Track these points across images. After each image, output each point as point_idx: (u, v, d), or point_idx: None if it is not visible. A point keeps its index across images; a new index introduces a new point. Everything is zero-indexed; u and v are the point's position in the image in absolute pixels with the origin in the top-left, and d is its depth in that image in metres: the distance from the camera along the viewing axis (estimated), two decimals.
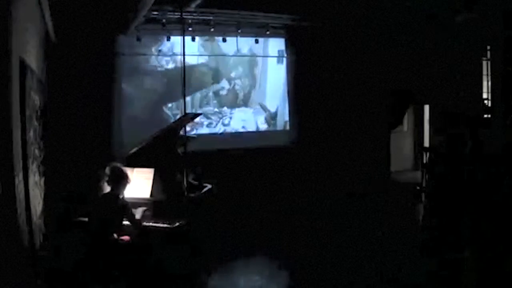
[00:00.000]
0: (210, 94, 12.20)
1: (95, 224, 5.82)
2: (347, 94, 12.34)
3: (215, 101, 12.27)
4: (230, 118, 12.39)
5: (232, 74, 12.46)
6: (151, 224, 6.26)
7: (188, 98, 10.95)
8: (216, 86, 12.27)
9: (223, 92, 12.35)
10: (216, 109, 12.26)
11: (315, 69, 12.34)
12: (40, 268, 5.20)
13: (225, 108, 12.35)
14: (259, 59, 12.69)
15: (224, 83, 12.35)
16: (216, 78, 12.26)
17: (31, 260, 4.87)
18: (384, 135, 12.81)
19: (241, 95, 12.54)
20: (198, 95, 12.02)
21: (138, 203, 6.40)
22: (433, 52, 11.44)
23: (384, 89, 12.41)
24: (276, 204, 10.79)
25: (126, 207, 5.91)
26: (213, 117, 12.21)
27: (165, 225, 6.24)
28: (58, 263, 5.77)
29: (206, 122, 12.12)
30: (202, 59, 12.06)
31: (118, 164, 6.09)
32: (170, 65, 11.66)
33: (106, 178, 5.96)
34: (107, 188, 5.98)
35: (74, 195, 6.77)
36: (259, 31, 12.19)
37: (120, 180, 5.96)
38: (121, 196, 5.97)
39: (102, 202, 5.94)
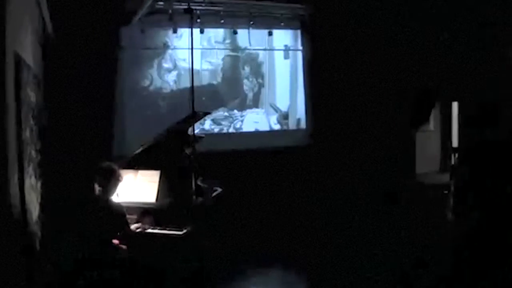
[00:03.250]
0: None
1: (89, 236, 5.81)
2: (367, 90, 12.26)
3: None
4: (242, 121, 12.39)
5: (239, 74, 12.48)
6: (156, 231, 6.26)
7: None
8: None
9: None
10: (225, 113, 12.27)
11: (331, 63, 12.26)
12: (37, 277, 5.19)
13: (235, 111, 12.35)
14: (266, 56, 12.69)
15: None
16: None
17: (28, 268, 4.86)
18: (409, 134, 12.74)
19: (250, 95, 12.53)
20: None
21: (142, 208, 6.40)
22: (463, 45, 11.37)
23: (409, 85, 12.33)
24: (294, 208, 10.79)
25: (119, 211, 5.92)
26: (223, 122, 12.22)
27: (171, 232, 6.23)
28: (56, 271, 5.77)
29: (216, 128, 12.13)
30: (206, 64, 12.07)
31: (108, 164, 6.10)
32: (178, 59, 11.69)
33: (95, 179, 5.96)
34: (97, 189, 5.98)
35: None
36: (273, 22, 12.18)
37: (109, 179, 5.96)
38: (112, 198, 5.97)
39: (93, 207, 5.93)
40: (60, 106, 9.01)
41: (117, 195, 6.16)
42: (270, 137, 12.57)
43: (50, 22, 8.49)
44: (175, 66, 11.65)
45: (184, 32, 11.29)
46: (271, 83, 12.73)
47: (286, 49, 12.83)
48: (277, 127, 12.78)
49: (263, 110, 12.63)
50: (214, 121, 12.06)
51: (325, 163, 12.03)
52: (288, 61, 12.89)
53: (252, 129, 12.54)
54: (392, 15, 11.58)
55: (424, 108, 13.47)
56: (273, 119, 12.74)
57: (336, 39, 12.15)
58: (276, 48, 12.71)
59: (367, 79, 12.20)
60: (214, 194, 7.36)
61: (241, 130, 12.42)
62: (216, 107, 12.01)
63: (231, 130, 12.34)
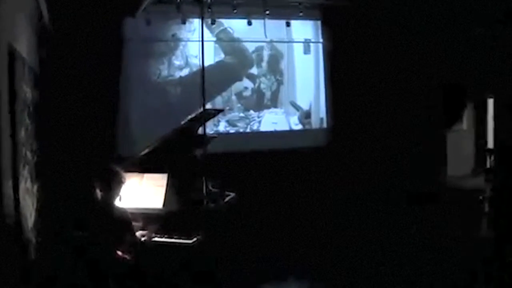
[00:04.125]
0: (233, 97, 12.20)
1: (91, 243, 5.78)
2: (394, 87, 12.19)
3: (239, 105, 12.26)
4: (259, 122, 12.35)
5: (255, 71, 12.44)
6: (163, 239, 6.22)
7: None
8: (237, 87, 12.29)
9: (247, 93, 12.35)
10: (241, 114, 12.24)
11: (355, 57, 12.20)
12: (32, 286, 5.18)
13: (251, 112, 12.31)
14: (284, 51, 12.65)
15: (247, 82, 12.35)
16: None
17: (22, 279, 4.84)
18: (440, 134, 12.66)
19: (268, 94, 12.49)
20: (219, 99, 12.01)
21: (148, 214, 6.36)
22: (499, 39, 11.29)
23: (440, 81, 12.25)
24: (315, 212, 10.75)
25: (124, 217, 5.88)
26: (239, 124, 12.20)
27: (180, 241, 6.20)
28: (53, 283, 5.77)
29: (232, 130, 12.12)
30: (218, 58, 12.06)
31: (110, 164, 6.06)
32: (187, 52, 11.68)
33: (97, 183, 5.92)
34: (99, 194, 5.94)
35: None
36: (291, 12, 12.12)
37: (112, 182, 5.93)
38: (116, 203, 5.94)
39: (95, 213, 5.89)
40: (58, 103, 9.01)
41: (120, 200, 6.12)
42: (290, 138, 12.51)
43: (48, 12, 8.48)
44: (185, 61, 11.62)
45: (194, 23, 11.31)
46: (291, 79, 12.68)
47: (306, 42, 12.76)
48: (298, 127, 12.72)
49: (282, 110, 12.57)
50: (229, 123, 12.02)
51: (348, 164, 12.00)
52: (309, 56, 12.82)
53: (270, 129, 12.48)
54: (423, 4, 11.49)
55: (456, 105, 13.37)
56: (294, 119, 12.67)
57: (360, 31, 12.10)
58: (295, 40, 12.64)
59: (395, 74, 12.12)
60: (227, 199, 7.32)
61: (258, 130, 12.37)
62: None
63: (247, 131, 12.31)
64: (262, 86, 12.47)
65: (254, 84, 12.39)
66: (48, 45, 8.49)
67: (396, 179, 11.69)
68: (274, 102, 12.54)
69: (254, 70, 12.44)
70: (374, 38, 12.12)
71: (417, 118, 12.26)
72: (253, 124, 12.33)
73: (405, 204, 10.89)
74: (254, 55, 12.41)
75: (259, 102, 12.44)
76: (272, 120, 12.51)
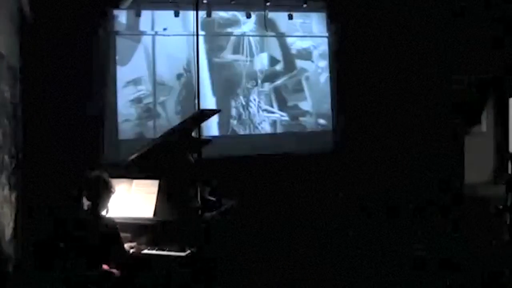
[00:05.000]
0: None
1: (74, 254, 5.75)
2: (406, 86, 12.19)
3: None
4: (257, 124, 12.37)
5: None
6: (154, 252, 6.20)
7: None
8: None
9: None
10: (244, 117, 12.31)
11: (364, 53, 12.18)
12: None
13: (249, 111, 12.36)
14: (286, 44, 12.67)
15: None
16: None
17: None
18: (457, 137, 12.65)
19: (267, 93, 12.53)
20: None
21: (138, 224, 6.34)
22: None
23: (456, 78, 12.23)
24: (322, 223, 10.73)
25: (112, 228, 5.85)
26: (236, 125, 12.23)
27: (172, 253, 6.18)
28: None
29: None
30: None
31: (97, 172, 6.04)
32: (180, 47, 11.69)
33: (84, 191, 5.90)
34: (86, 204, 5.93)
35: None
36: (294, 3, 12.12)
37: (100, 192, 5.90)
38: (104, 213, 5.91)
39: (80, 224, 5.87)
40: (40, 103, 9.00)
41: (107, 211, 6.09)
42: (294, 140, 12.51)
43: (28, 3, 8.48)
44: (178, 55, 11.60)
45: (188, 15, 11.30)
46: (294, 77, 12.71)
47: (310, 36, 12.76)
48: (301, 128, 12.72)
49: (284, 112, 12.58)
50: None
51: (356, 170, 11.96)
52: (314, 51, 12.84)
53: (269, 132, 12.50)
54: None
55: (474, 106, 13.35)
56: (298, 120, 12.66)
57: (371, 24, 12.08)
58: (298, 34, 12.64)
59: (408, 71, 12.11)
60: (224, 207, 7.30)
61: (257, 133, 12.36)
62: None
63: (245, 133, 12.30)
64: (261, 83, 12.47)
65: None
66: (29, 41, 8.49)
67: (408, 186, 11.67)
68: (278, 103, 12.55)
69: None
70: (386, 32, 12.10)
71: (431, 119, 12.25)
72: (251, 125, 12.31)
73: (416, 214, 10.87)
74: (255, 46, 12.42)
75: (258, 101, 12.45)
76: (272, 121, 12.53)
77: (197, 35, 7.47)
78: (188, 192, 6.77)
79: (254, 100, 12.33)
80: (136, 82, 11.29)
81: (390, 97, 12.15)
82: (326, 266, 8.73)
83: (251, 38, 12.29)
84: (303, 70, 12.78)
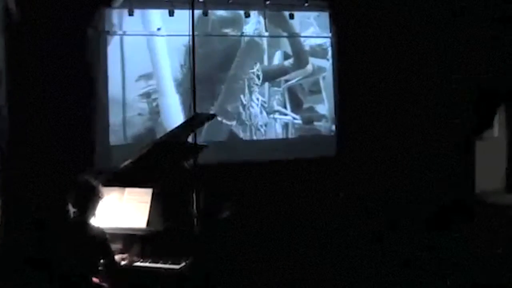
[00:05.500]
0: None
1: (60, 266, 5.73)
2: (413, 88, 12.19)
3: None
4: (259, 128, 12.37)
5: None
6: (147, 264, 6.19)
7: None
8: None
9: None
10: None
11: (369, 54, 12.18)
12: None
13: (249, 115, 12.35)
14: (287, 45, 12.67)
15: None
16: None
17: None
18: (467, 143, 12.65)
19: (272, 96, 12.52)
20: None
21: (130, 235, 6.33)
22: None
23: (467, 81, 12.24)
24: (319, 225, 10.75)
25: (101, 239, 5.84)
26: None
27: (167, 266, 6.17)
28: None
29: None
30: None
31: (84, 176, 6.03)
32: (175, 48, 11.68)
33: (70, 198, 5.87)
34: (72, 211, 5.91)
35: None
36: (294, 2, 12.12)
37: (88, 198, 5.88)
38: (92, 221, 5.89)
39: (66, 234, 5.85)
40: (26, 105, 8.99)
41: (95, 217, 6.06)
42: (294, 146, 12.50)
43: (14, 2, 8.49)
44: (172, 56, 11.60)
45: (183, 14, 11.27)
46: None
47: (312, 36, 12.76)
48: (302, 133, 12.73)
49: (287, 116, 12.57)
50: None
51: (359, 177, 11.93)
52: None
53: (273, 137, 12.50)
54: None
55: (486, 110, 13.36)
56: (298, 123, 12.65)
57: (376, 24, 12.08)
58: (299, 35, 12.65)
59: (415, 73, 12.11)
60: (221, 217, 7.31)
61: (259, 138, 12.37)
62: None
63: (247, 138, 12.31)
64: (265, 87, 12.47)
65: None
66: (15, 41, 8.49)
67: (416, 195, 11.66)
68: (277, 106, 12.54)
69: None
70: (392, 32, 12.10)
71: (440, 124, 12.25)
72: (253, 129, 12.30)
73: (425, 226, 10.86)
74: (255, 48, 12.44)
75: (261, 105, 12.43)
76: (276, 125, 12.52)
77: (193, 35, 7.42)
78: (183, 201, 6.77)
79: (257, 99, 12.33)
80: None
81: (398, 101, 12.15)
82: (326, 266, 8.88)
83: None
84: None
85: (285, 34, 12.53)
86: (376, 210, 11.22)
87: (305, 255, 9.51)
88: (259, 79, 12.28)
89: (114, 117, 11.06)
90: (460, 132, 12.46)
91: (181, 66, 11.60)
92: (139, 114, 11.27)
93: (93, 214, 5.94)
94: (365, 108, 12.19)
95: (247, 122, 12.22)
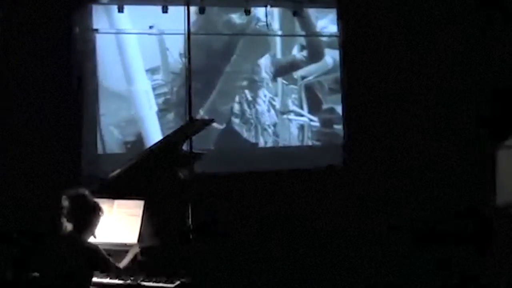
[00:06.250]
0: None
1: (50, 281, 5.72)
2: (427, 93, 12.20)
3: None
4: (263, 134, 12.37)
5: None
6: (139, 282, 6.17)
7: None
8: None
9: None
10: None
11: (379, 55, 12.18)
12: None
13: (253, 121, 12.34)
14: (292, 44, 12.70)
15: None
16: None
17: None
18: (486, 151, 12.63)
19: (275, 101, 12.51)
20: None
21: (120, 250, 6.31)
22: None
23: (484, 85, 12.24)
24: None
25: (95, 252, 5.82)
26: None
27: (160, 285, 6.15)
28: None
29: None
30: None
31: (82, 191, 6.00)
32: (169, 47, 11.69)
33: (64, 212, 5.84)
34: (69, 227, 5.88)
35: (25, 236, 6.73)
36: None
37: (85, 214, 5.87)
38: (87, 237, 5.87)
39: (59, 248, 5.83)
40: (9, 110, 8.99)
41: (95, 236, 6.04)
42: (297, 155, 12.47)
43: None
44: (166, 56, 11.60)
45: (178, 11, 11.29)
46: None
47: (317, 35, 12.76)
48: (307, 140, 12.72)
49: (303, 117, 12.59)
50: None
51: (368, 190, 11.91)
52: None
53: (286, 140, 12.52)
54: None
55: (507, 114, 13.34)
56: (302, 130, 12.64)
57: (387, 22, 12.08)
58: (303, 33, 12.67)
59: (429, 74, 12.11)
60: (219, 232, 7.30)
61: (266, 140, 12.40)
62: None
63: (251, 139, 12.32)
64: (267, 91, 12.47)
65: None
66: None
67: (431, 206, 11.66)
68: (281, 109, 12.54)
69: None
70: (403, 31, 12.10)
71: (457, 130, 12.24)
72: (257, 136, 12.32)
73: (440, 239, 10.88)
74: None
75: (263, 112, 12.43)
76: (282, 132, 12.51)
77: (189, 33, 7.43)
78: (177, 213, 6.76)
79: (265, 96, 12.33)
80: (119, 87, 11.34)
81: (411, 105, 12.14)
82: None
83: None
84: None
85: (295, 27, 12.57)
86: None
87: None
88: (266, 73, 12.29)
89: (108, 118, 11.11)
90: (480, 140, 12.46)
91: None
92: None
93: (93, 232, 5.92)
94: (375, 113, 12.18)
95: (252, 121, 12.22)
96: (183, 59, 11.15)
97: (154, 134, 11.11)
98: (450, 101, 12.21)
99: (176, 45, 11.46)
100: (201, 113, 11.28)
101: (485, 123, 12.47)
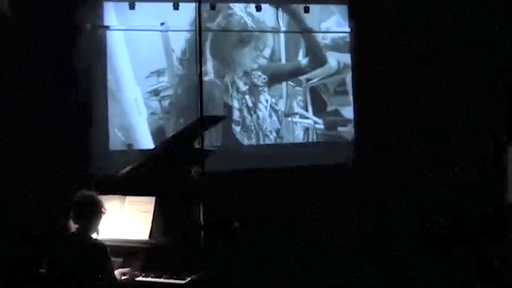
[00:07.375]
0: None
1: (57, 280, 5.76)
2: (439, 89, 12.14)
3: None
4: (275, 134, 12.40)
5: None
6: (149, 279, 6.20)
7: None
8: None
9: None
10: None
11: (392, 52, 12.14)
12: None
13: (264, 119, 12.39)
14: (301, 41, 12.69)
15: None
16: None
17: None
18: (498, 149, 12.60)
19: (289, 99, 12.53)
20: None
21: (131, 247, 6.34)
22: None
23: (497, 80, 12.22)
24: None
25: (102, 252, 5.87)
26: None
27: (170, 281, 6.19)
28: None
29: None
30: None
31: (85, 191, 6.05)
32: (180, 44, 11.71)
33: (71, 212, 5.90)
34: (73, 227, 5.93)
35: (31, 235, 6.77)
36: None
37: (90, 213, 5.92)
38: (94, 236, 5.94)
39: (66, 247, 5.90)
40: (17, 108, 9.01)
41: (98, 232, 6.08)
42: (308, 152, 12.47)
43: None
44: (179, 53, 11.61)
45: (188, 7, 11.32)
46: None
47: (329, 32, 12.76)
48: (318, 137, 12.75)
49: (308, 119, 12.63)
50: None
51: (379, 188, 11.90)
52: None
53: (291, 141, 12.50)
54: None
55: None
56: (313, 128, 12.67)
57: (400, 19, 12.07)
58: (315, 30, 12.67)
59: (441, 71, 12.07)
60: (230, 229, 7.31)
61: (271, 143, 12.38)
62: None
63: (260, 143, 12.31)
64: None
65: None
66: (7, 37, 8.53)
67: (440, 207, 11.64)
68: (292, 108, 12.57)
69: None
70: (415, 27, 12.08)
71: (469, 128, 12.21)
72: (268, 136, 12.35)
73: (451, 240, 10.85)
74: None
75: (274, 111, 12.48)
76: (294, 130, 12.53)
77: (200, 30, 7.45)
78: (188, 210, 6.79)
79: (266, 101, 12.34)
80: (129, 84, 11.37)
81: (423, 103, 12.09)
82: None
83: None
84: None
85: (300, 29, 12.55)
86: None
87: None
88: (266, 78, 12.32)
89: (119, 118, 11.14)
90: (492, 137, 12.41)
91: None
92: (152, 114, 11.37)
93: (96, 229, 5.96)
94: (388, 112, 12.17)
95: (252, 128, 12.25)
96: (187, 61, 11.31)
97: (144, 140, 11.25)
98: (465, 98, 12.18)
99: (181, 46, 11.52)
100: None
101: (499, 121, 12.46)
